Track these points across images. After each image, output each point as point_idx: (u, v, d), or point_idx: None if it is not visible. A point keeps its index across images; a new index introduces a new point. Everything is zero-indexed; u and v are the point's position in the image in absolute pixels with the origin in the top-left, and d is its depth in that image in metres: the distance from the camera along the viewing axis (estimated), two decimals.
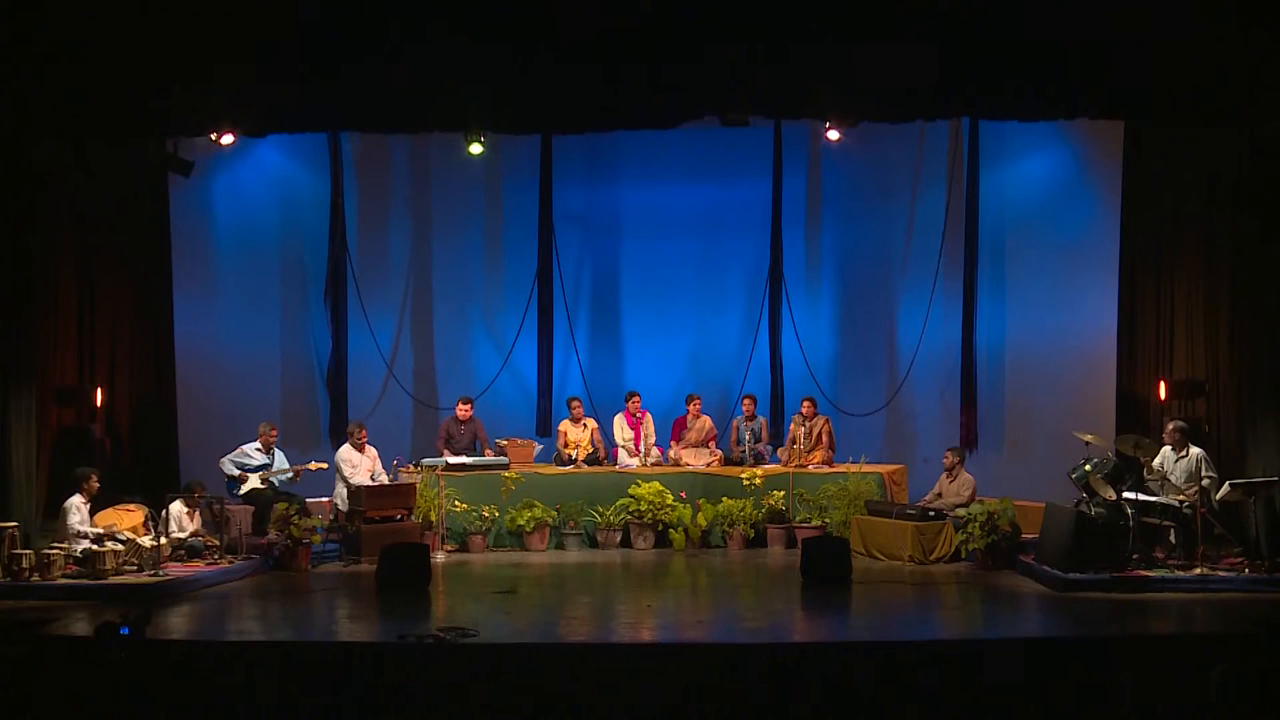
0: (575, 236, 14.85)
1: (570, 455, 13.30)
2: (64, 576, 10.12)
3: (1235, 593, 9.74)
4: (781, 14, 10.82)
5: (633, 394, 13.73)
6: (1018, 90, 11.20)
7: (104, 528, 10.74)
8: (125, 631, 7.44)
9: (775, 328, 14.24)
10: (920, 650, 8.09)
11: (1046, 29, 10.73)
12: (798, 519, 12.52)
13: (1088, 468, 10.56)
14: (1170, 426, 10.88)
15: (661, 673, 7.70)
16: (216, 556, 11.09)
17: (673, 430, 13.80)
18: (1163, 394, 12.43)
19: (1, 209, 11.18)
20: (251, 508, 12.07)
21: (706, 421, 13.69)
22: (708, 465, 13.21)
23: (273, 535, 11.50)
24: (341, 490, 12.31)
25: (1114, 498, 10.36)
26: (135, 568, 10.43)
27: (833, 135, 13.35)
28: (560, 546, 12.60)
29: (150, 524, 10.81)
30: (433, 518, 12.30)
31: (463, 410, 13.33)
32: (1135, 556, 10.19)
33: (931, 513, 11.68)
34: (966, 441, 13.47)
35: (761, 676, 7.67)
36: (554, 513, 12.58)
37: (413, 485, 12.34)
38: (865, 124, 12.50)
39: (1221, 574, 10.05)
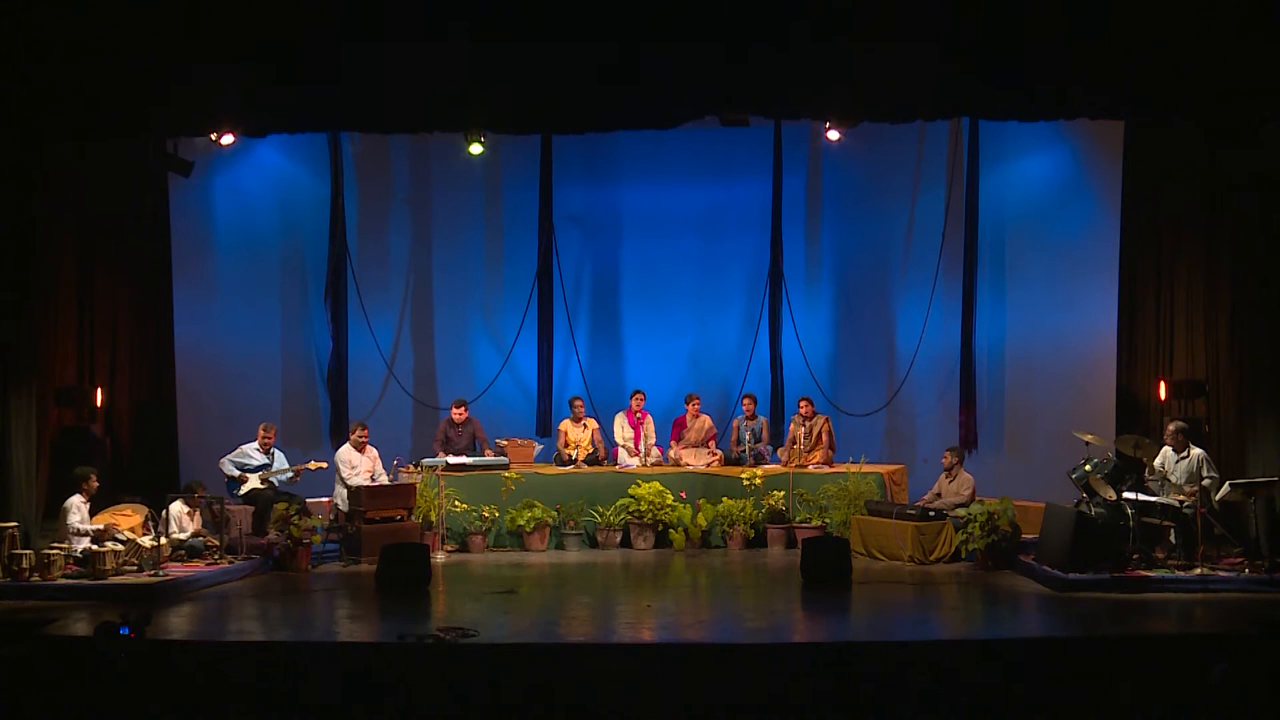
0: (575, 236, 14.86)
1: (570, 455, 13.30)
2: (64, 576, 10.12)
3: (1235, 593, 9.74)
4: (782, 14, 10.81)
5: (638, 392, 13.73)
6: (1018, 90, 11.19)
7: (105, 526, 10.74)
8: (125, 631, 7.45)
9: (775, 327, 14.25)
10: (920, 650, 8.09)
11: (1046, 29, 10.73)
12: (798, 519, 12.52)
13: (1088, 468, 10.56)
14: (1171, 427, 10.87)
15: (661, 673, 7.70)
16: (216, 556, 11.09)
17: (673, 430, 13.80)
18: (1163, 394, 12.44)
19: (2, 209, 11.17)
20: (251, 508, 12.07)
21: (706, 421, 13.69)
22: (708, 465, 13.21)
23: (273, 535, 11.50)
24: (341, 490, 12.31)
25: (1114, 498, 10.36)
26: (135, 568, 10.43)
27: (833, 135, 13.38)
28: (560, 546, 12.60)
29: (150, 524, 10.81)
30: (433, 518, 12.30)
31: (457, 413, 13.30)
32: (1135, 556, 10.18)
33: (931, 513, 11.68)
34: (966, 441, 13.48)
35: (761, 676, 7.67)
36: (554, 513, 12.58)
37: (413, 485, 12.34)
38: (865, 124, 12.49)
39: (1221, 574, 10.04)
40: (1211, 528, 10.28)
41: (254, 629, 9.12)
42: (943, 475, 12.26)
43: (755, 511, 12.53)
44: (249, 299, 14.28)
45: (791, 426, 13.35)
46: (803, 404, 13.34)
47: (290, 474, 12.44)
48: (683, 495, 12.69)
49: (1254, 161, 11.43)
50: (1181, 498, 10.53)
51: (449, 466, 12.64)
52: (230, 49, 10.81)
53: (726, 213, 14.88)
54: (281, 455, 12.61)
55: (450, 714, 7.45)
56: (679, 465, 13.30)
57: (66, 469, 11.18)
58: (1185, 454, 10.68)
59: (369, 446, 12.62)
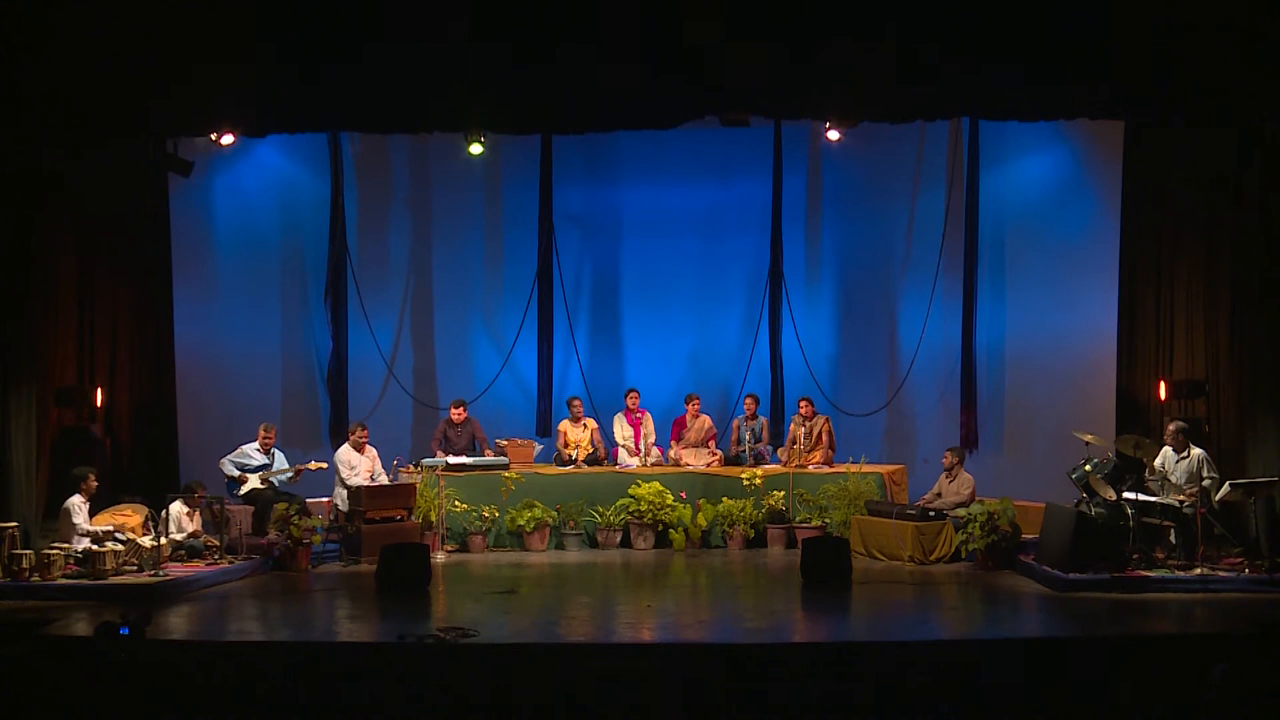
0: (575, 236, 14.86)
1: (570, 455, 13.30)
2: (64, 576, 10.11)
3: (1235, 593, 9.73)
4: (782, 14, 10.82)
5: (631, 391, 13.74)
6: (1018, 90, 11.20)
7: (107, 526, 10.75)
8: (125, 631, 7.45)
9: (775, 327, 14.25)
10: (920, 650, 8.09)
11: (1047, 28, 10.73)
12: (798, 519, 12.52)
13: (1088, 468, 10.56)
14: (1172, 427, 10.87)
15: (661, 673, 7.70)
16: (216, 556, 11.08)
17: (673, 430, 13.80)
18: (1163, 394, 12.43)
19: (2, 209, 11.16)
20: (251, 508, 12.07)
21: (706, 421, 13.69)
22: (708, 465, 13.21)
23: (273, 535, 11.50)
24: (341, 490, 12.30)
25: (1114, 498, 10.36)
26: (135, 568, 10.42)
27: (833, 135, 13.37)
28: (560, 546, 12.60)
29: (150, 524, 10.80)
30: (433, 518, 12.30)
31: (456, 414, 13.30)
32: (1135, 556, 10.18)
33: (931, 513, 11.68)
34: (966, 441, 13.48)
35: (761, 677, 7.66)
36: (554, 513, 12.57)
37: (413, 485, 12.34)
38: (865, 124, 12.49)
39: (1221, 574, 10.04)
40: (1211, 528, 10.28)
41: (254, 629, 9.12)
42: (943, 475, 12.26)
43: (755, 511, 12.52)
44: (249, 299, 14.28)
45: (792, 426, 13.34)
46: (803, 404, 13.34)
47: (290, 474, 12.44)
48: (683, 495, 12.68)
49: (1254, 161, 11.42)
50: (1181, 498, 10.52)
51: (449, 466, 12.64)
52: (230, 49, 10.81)
53: (726, 213, 14.87)
54: (281, 455, 12.61)
55: (450, 714, 7.45)
56: (679, 465, 13.29)
57: (66, 469, 11.17)
58: (1185, 454, 10.68)
59: (369, 446, 12.61)
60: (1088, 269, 13.30)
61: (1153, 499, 10.56)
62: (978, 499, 11.72)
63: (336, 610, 9.71)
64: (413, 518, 12.18)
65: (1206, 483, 10.39)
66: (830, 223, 14.99)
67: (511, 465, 12.96)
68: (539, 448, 13.60)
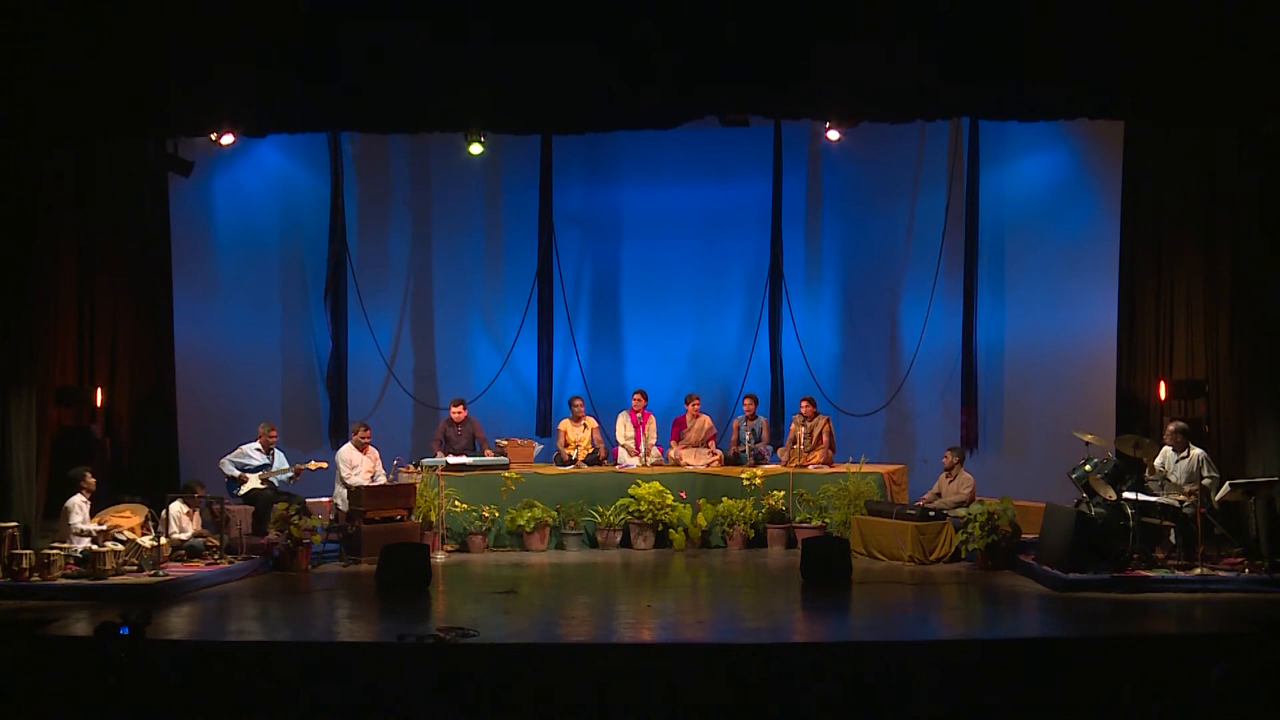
0: (575, 236, 14.87)
1: (570, 455, 13.31)
2: (64, 576, 10.12)
3: (1235, 593, 9.74)
4: (782, 14, 10.82)
5: (639, 391, 13.74)
6: (1018, 90, 11.19)
7: (106, 526, 10.74)
8: (125, 631, 7.44)
9: (775, 328, 14.26)
10: (920, 650, 8.09)
11: (1046, 28, 10.73)
12: (798, 519, 12.52)
13: (1088, 468, 10.56)
14: (1172, 427, 10.87)
15: (661, 673, 7.71)
16: (216, 556, 11.09)
17: (672, 430, 13.80)
18: (1163, 394, 12.42)
19: (2, 210, 11.16)
20: (251, 508, 12.07)
21: (706, 421, 13.69)
22: (708, 465, 13.21)
23: (273, 535, 11.50)
24: (341, 490, 12.31)
25: (1114, 498, 10.36)
26: (135, 568, 10.43)
27: (833, 135, 13.36)
28: (560, 546, 12.60)
29: (150, 524, 10.80)
30: (433, 518, 12.30)
31: (456, 412, 13.31)
32: (1135, 556, 10.19)
33: (931, 513, 11.68)
34: (966, 441, 13.48)
35: (761, 676, 7.67)
36: (554, 513, 12.58)
37: (413, 485, 12.34)
38: (865, 124, 12.49)
39: (1221, 574, 10.04)
40: (1211, 528, 10.29)
41: (254, 629, 9.12)
42: (943, 475, 12.26)
43: (755, 511, 12.53)
44: (249, 299, 14.28)
45: (792, 426, 13.34)
46: (804, 404, 13.33)
47: (290, 474, 12.44)
48: (683, 495, 12.69)
49: (1253, 161, 11.41)
50: (1181, 498, 10.52)
51: (449, 466, 12.64)
52: (230, 49, 10.81)
53: (726, 213, 14.88)
54: (281, 455, 12.61)
55: (450, 714, 7.45)
56: (679, 465, 13.30)
57: (66, 469, 11.16)
58: (1185, 454, 10.68)
59: (370, 447, 12.62)
60: (1088, 269, 13.29)
61: (1153, 499, 10.56)
62: (978, 499, 11.72)
63: (336, 610, 9.72)
64: (413, 518, 12.18)
65: (1206, 482, 10.40)
66: (830, 223, 15.00)
67: (511, 465, 12.96)
68: (539, 448, 13.60)
